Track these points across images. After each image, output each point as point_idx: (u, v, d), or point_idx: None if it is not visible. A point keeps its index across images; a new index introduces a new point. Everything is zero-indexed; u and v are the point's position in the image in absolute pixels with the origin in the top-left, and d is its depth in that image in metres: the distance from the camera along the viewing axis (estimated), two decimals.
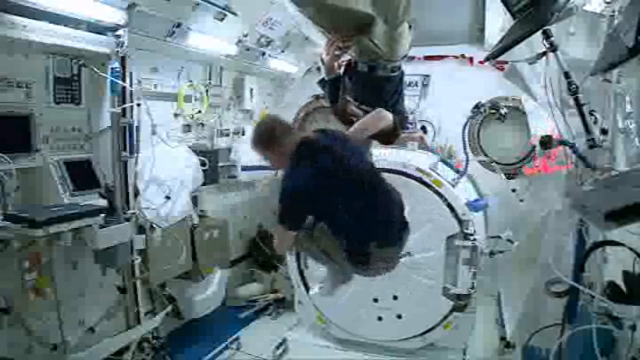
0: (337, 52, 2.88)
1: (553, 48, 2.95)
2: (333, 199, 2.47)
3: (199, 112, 5.11)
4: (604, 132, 3.02)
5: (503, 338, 4.63)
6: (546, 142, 3.66)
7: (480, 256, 4.31)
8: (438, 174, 4.36)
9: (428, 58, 5.75)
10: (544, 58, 3.12)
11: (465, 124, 5.04)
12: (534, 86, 4.42)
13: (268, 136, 2.56)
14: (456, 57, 5.75)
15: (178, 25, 4.07)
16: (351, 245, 2.56)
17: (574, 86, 2.92)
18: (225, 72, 5.52)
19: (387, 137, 2.99)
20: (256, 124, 2.75)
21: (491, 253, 5.13)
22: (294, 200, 2.46)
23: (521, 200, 5.50)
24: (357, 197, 2.52)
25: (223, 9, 4.28)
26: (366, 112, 2.95)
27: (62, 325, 3.49)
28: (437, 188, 4.23)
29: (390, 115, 2.83)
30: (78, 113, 3.85)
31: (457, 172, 4.74)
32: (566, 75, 2.95)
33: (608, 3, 2.79)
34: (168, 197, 4.41)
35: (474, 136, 5.61)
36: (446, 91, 5.70)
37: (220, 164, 5.49)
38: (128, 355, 3.94)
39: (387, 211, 2.64)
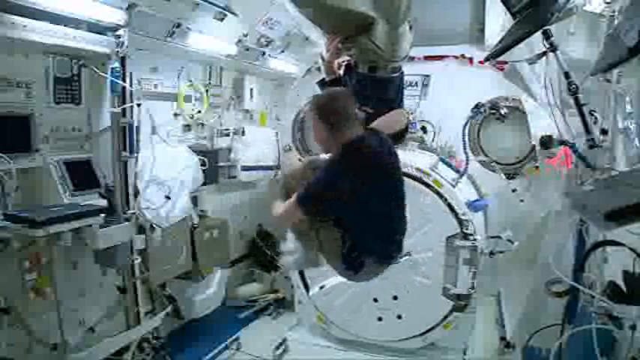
0: (337, 50, 2.87)
1: (553, 48, 2.96)
2: (366, 204, 2.43)
3: (199, 112, 5.10)
4: (604, 132, 3.02)
5: (503, 338, 4.63)
6: (546, 142, 3.66)
7: (479, 256, 4.32)
8: (438, 174, 4.37)
9: (428, 58, 5.74)
10: (544, 58, 3.13)
11: (465, 124, 5.04)
12: (534, 86, 4.43)
13: (340, 114, 2.43)
14: (456, 57, 5.74)
15: (178, 25, 4.07)
16: (353, 251, 2.53)
17: (574, 86, 2.92)
18: (225, 72, 5.52)
19: (396, 139, 3.00)
20: (328, 93, 2.64)
21: (491, 253, 5.14)
22: (330, 193, 2.37)
23: (522, 200, 5.50)
24: (387, 206, 2.51)
25: (223, 9, 4.27)
26: (367, 113, 2.95)
27: (62, 325, 3.49)
28: (437, 188, 4.23)
29: (405, 116, 2.87)
30: (78, 113, 3.85)
31: (457, 172, 4.75)
32: (566, 75, 2.96)
33: (608, 3, 2.79)
34: (168, 197, 4.41)
35: (474, 136, 5.60)
36: (446, 91, 5.69)
37: (220, 164, 5.48)
38: (128, 355, 3.94)
39: (402, 228, 2.65)
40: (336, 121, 2.42)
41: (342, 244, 2.53)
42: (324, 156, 2.72)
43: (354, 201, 2.39)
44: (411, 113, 5.64)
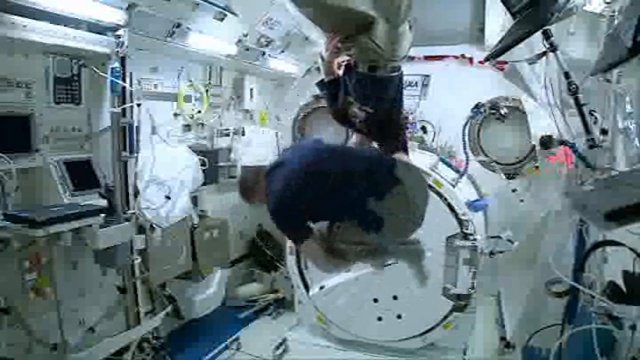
0: (337, 50, 2.87)
1: (553, 48, 2.96)
2: (308, 197, 2.57)
3: (199, 112, 5.11)
4: (604, 132, 3.02)
5: (503, 338, 4.63)
6: (546, 142, 3.66)
7: (479, 256, 4.32)
8: (438, 174, 4.36)
9: (428, 58, 5.74)
10: (544, 58, 3.12)
11: (465, 124, 5.04)
12: (534, 86, 4.43)
13: (244, 188, 2.79)
14: (456, 57, 5.75)
15: (178, 25, 4.07)
16: (356, 216, 2.59)
17: (574, 86, 2.92)
18: (225, 72, 5.52)
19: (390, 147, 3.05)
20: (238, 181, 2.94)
21: (491, 253, 5.14)
22: (280, 215, 2.59)
23: (522, 200, 5.50)
24: (326, 183, 2.60)
25: (223, 9, 4.27)
26: (367, 113, 2.95)
27: (62, 325, 3.49)
28: (437, 188, 4.23)
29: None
30: (78, 113, 3.85)
31: (457, 172, 4.75)
32: (566, 75, 2.96)
33: (608, 3, 2.79)
34: (168, 197, 4.41)
35: (474, 136, 5.60)
36: (446, 91, 5.70)
37: (220, 164, 5.49)
38: (128, 355, 3.94)
39: (356, 170, 2.68)
40: (251, 188, 2.76)
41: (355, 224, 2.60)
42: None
43: (298, 197, 2.56)
44: (411, 113, 5.64)
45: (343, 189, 2.60)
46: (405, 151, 3.10)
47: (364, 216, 2.57)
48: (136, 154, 4.04)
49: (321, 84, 3.20)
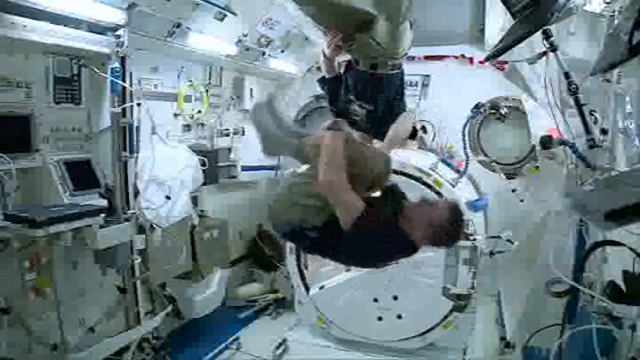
0: (339, 47, 2.87)
1: (553, 48, 2.95)
2: None
3: (199, 112, 5.10)
4: (604, 132, 3.01)
5: (503, 338, 4.63)
6: (546, 142, 3.66)
7: (480, 256, 4.32)
8: (438, 174, 4.36)
9: (428, 58, 5.74)
10: (544, 58, 3.12)
11: (465, 124, 5.04)
12: (534, 86, 4.43)
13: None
14: (456, 57, 5.75)
15: (178, 25, 4.07)
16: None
17: (574, 86, 2.92)
18: (225, 72, 5.52)
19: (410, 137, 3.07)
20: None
21: (491, 253, 5.14)
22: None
23: (522, 200, 5.50)
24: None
25: (223, 9, 4.27)
26: (368, 112, 2.95)
27: (62, 325, 3.49)
28: (437, 188, 4.23)
29: (411, 119, 2.93)
30: (78, 113, 3.85)
31: (457, 172, 4.75)
32: (566, 75, 2.95)
33: (608, 3, 2.79)
34: (168, 197, 4.41)
35: (473, 136, 5.60)
36: (446, 91, 5.70)
37: (220, 164, 5.48)
38: (128, 355, 3.94)
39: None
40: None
41: None
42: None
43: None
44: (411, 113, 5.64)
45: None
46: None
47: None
48: (136, 154, 4.04)
49: (322, 81, 3.21)
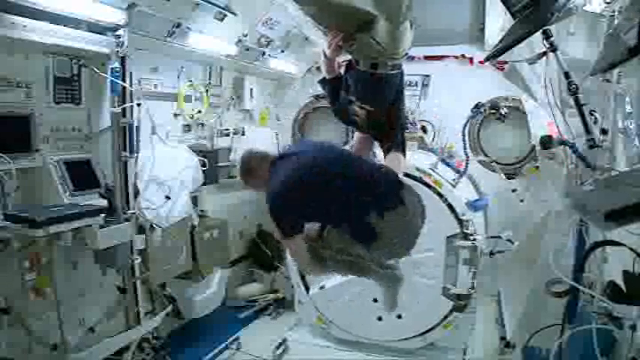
0: (339, 47, 2.87)
1: (553, 48, 2.96)
2: (312, 194, 2.60)
3: (199, 112, 5.10)
4: (604, 132, 3.02)
5: (503, 338, 4.63)
6: (546, 142, 3.66)
7: (480, 256, 4.32)
8: (438, 174, 4.37)
9: (428, 58, 5.74)
10: (544, 58, 3.12)
11: (465, 124, 5.04)
12: (534, 86, 4.43)
13: (247, 169, 2.90)
14: (456, 57, 5.75)
15: (178, 25, 4.07)
16: (354, 224, 2.62)
17: (574, 86, 2.92)
18: (225, 72, 5.52)
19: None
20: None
21: (491, 253, 5.14)
22: (278, 205, 2.61)
23: (522, 200, 5.50)
24: (333, 185, 2.62)
25: (223, 9, 4.27)
26: (368, 112, 2.95)
27: (62, 325, 3.49)
28: (437, 188, 4.23)
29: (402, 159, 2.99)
30: (78, 113, 3.85)
31: (457, 172, 4.75)
32: (566, 75, 2.96)
33: (608, 3, 2.79)
34: (168, 197, 4.41)
35: (473, 136, 5.60)
36: (446, 91, 5.71)
37: (220, 164, 5.48)
38: (128, 355, 3.94)
39: (365, 181, 2.69)
40: (252, 169, 2.89)
41: (344, 231, 2.64)
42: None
43: (299, 192, 2.60)
44: (411, 113, 5.64)
45: (349, 195, 2.61)
46: (403, 151, 3.10)
47: (360, 226, 2.58)
48: (135, 154, 4.03)
49: (322, 82, 3.21)
